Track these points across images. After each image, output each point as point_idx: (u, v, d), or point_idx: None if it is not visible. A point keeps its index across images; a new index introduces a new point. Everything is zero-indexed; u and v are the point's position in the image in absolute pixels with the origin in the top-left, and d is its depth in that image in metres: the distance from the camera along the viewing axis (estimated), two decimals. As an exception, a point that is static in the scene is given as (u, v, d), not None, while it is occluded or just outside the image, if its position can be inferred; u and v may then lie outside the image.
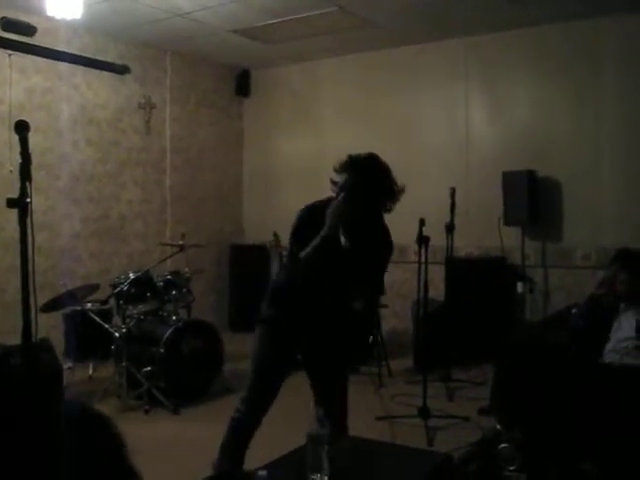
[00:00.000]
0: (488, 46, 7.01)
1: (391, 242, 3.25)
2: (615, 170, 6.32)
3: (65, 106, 6.69)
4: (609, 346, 4.21)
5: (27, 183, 2.43)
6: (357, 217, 3.02)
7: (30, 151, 2.50)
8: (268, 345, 3.41)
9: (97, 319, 5.40)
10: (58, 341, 5.89)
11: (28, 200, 2.42)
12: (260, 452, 3.06)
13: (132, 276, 5.35)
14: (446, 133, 7.22)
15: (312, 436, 2.21)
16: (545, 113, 6.70)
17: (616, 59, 6.30)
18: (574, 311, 4.71)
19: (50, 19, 5.75)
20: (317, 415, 3.47)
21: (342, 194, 2.97)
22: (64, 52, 6.56)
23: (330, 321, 3.30)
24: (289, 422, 4.49)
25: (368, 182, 3.02)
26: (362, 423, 4.63)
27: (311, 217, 3.10)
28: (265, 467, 2.46)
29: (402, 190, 3.10)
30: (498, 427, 4.04)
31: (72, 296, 5.42)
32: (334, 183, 3.08)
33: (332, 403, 3.50)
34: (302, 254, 3.02)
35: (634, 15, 6.12)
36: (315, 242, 2.99)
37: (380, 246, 3.19)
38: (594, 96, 6.42)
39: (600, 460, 3.52)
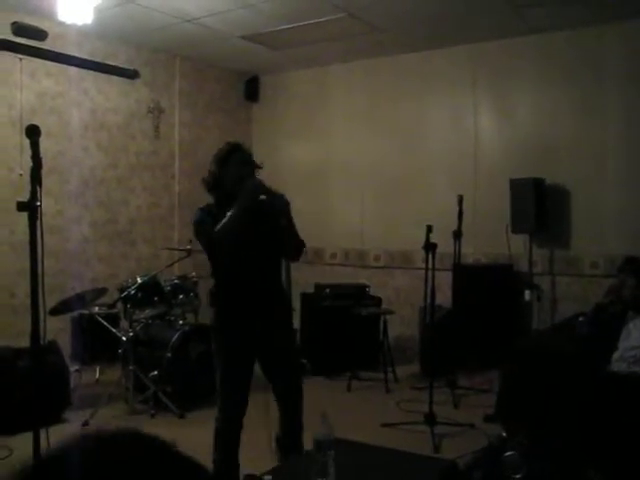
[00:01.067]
0: (495, 53, 7.01)
1: (283, 195, 3.50)
2: (622, 178, 6.30)
3: (75, 110, 6.73)
4: (617, 354, 4.20)
5: (37, 187, 2.45)
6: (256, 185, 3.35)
7: (41, 155, 2.53)
8: (222, 353, 3.47)
9: (105, 323, 5.43)
10: (66, 344, 5.92)
11: (38, 203, 2.45)
12: (266, 457, 3.07)
13: (140, 280, 5.37)
14: (453, 140, 7.22)
15: (318, 441, 2.21)
16: (552, 121, 6.69)
17: (622, 67, 6.29)
18: (581, 319, 4.70)
19: (61, 24, 5.79)
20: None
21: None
22: (75, 57, 6.60)
23: (269, 310, 3.45)
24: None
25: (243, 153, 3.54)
26: (368, 429, 4.63)
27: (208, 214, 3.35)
28: (270, 472, 2.47)
29: None
30: (504, 434, 4.03)
31: (80, 299, 5.44)
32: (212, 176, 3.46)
33: (293, 394, 3.63)
34: (217, 228, 3.18)
35: (639, 22, 6.13)
36: (229, 214, 3.19)
37: (281, 200, 3.46)
38: (601, 104, 6.41)
39: (605, 468, 3.51)
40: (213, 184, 3.43)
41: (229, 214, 3.19)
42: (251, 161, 3.54)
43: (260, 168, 3.54)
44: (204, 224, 3.32)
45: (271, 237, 3.40)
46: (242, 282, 3.40)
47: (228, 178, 3.37)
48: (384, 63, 7.71)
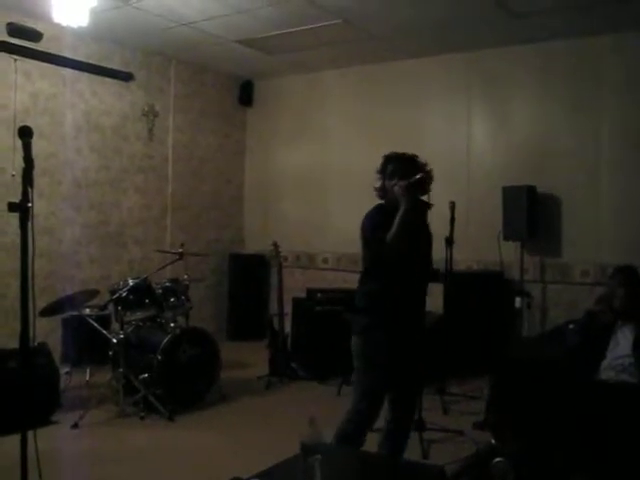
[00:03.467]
0: (491, 61, 7.04)
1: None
2: (615, 187, 6.33)
3: (69, 112, 6.73)
4: (605, 363, 4.22)
5: (29, 188, 2.46)
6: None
7: (33, 156, 2.53)
8: (380, 356, 3.45)
9: (95, 325, 5.42)
10: (56, 345, 5.92)
11: (29, 205, 2.45)
12: (254, 460, 3.07)
13: (131, 282, 5.36)
14: (447, 147, 7.24)
15: (305, 445, 2.21)
16: (546, 129, 6.73)
17: (617, 76, 6.33)
18: (571, 327, 4.71)
19: (56, 25, 5.79)
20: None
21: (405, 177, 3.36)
22: (69, 58, 6.61)
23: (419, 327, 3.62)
24: (285, 430, 4.49)
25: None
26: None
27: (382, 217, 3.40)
28: (258, 475, 2.47)
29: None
30: (492, 441, 4.04)
31: (71, 301, 5.43)
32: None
33: (412, 410, 3.74)
34: (388, 236, 3.24)
35: (635, 33, 6.17)
36: (397, 221, 3.26)
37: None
38: (595, 113, 6.45)
39: (593, 475, 3.52)
40: (377, 192, 3.56)
41: (394, 226, 3.27)
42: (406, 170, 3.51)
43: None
44: (378, 227, 3.37)
45: (426, 244, 3.65)
46: (407, 291, 3.49)
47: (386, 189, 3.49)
48: (379, 69, 7.74)
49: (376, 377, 3.44)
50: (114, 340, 5.22)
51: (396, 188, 3.37)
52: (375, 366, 3.42)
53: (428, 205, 3.54)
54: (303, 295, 6.86)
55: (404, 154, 3.55)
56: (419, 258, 3.54)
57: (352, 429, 3.46)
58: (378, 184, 3.53)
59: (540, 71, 6.77)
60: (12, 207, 2.45)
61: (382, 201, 3.55)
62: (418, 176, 3.38)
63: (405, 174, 3.39)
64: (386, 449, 3.63)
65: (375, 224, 3.41)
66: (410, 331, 3.52)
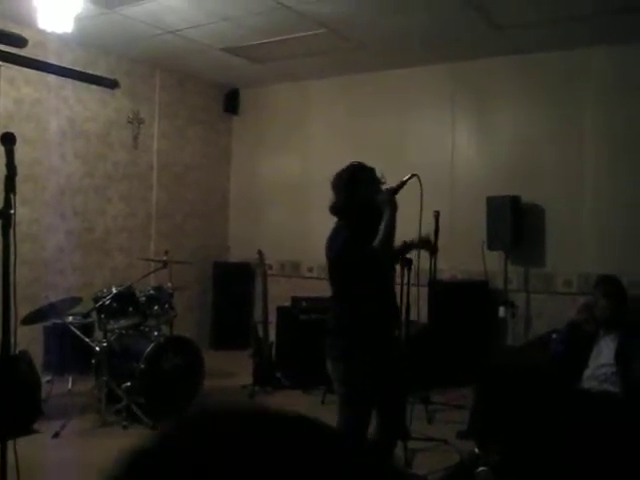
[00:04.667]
0: (476, 72, 7.09)
1: None
2: (598, 198, 6.39)
3: (54, 118, 6.69)
4: (588, 372, 4.24)
5: (11, 195, 2.44)
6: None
7: (17, 162, 2.52)
8: (366, 371, 3.39)
9: (78, 333, 5.37)
10: (38, 354, 5.86)
11: (12, 212, 2.43)
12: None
13: (115, 290, 5.33)
14: (432, 157, 7.27)
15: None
16: (530, 140, 6.77)
17: (601, 88, 6.39)
18: (554, 336, 4.74)
19: (41, 32, 5.77)
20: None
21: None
22: (54, 65, 6.58)
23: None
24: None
25: None
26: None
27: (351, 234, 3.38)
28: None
29: None
30: (476, 450, 4.05)
31: (54, 309, 5.38)
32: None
33: (398, 413, 3.69)
34: (375, 243, 3.24)
35: (618, 45, 6.23)
36: (387, 224, 3.29)
37: None
38: (578, 124, 6.51)
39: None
40: (342, 208, 3.44)
41: (383, 230, 3.27)
42: (377, 178, 3.50)
43: (384, 183, 3.50)
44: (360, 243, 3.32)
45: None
46: (384, 297, 3.48)
47: (359, 199, 3.38)
48: (364, 79, 7.76)
49: (362, 400, 3.39)
50: (97, 348, 5.18)
51: (380, 196, 3.34)
52: (360, 391, 3.36)
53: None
54: (288, 304, 6.84)
55: (363, 163, 3.52)
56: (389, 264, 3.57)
57: None
58: (339, 198, 3.43)
59: (524, 82, 6.82)
60: (-6, 214, 2.43)
61: (338, 218, 3.48)
62: (405, 178, 3.44)
63: (377, 181, 3.41)
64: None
65: (350, 241, 3.33)
66: (389, 342, 3.50)
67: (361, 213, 3.38)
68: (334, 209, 3.47)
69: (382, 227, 3.27)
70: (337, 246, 3.37)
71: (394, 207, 3.33)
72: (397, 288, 3.57)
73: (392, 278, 3.59)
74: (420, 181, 3.48)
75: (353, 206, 3.36)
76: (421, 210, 3.53)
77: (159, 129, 7.89)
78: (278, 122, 8.47)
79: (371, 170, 3.47)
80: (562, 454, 3.71)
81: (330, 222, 3.50)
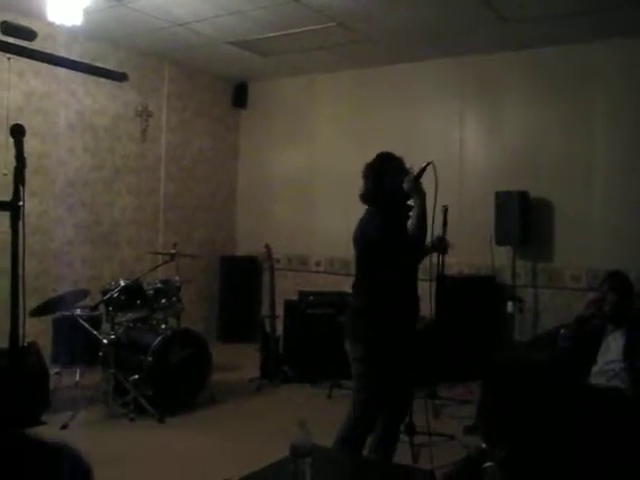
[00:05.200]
0: (484, 67, 7.06)
1: None
2: (607, 193, 6.36)
3: (63, 111, 6.71)
4: (596, 368, 4.23)
5: (21, 187, 2.44)
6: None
7: (26, 155, 2.52)
8: (388, 361, 3.49)
9: (86, 325, 5.39)
10: (46, 346, 5.89)
11: (21, 203, 2.44)
12: (244, 463, 3.05)
13: (122, 283, 5.34)
14: (440, 151, 7.24)
15: (295, 448, 2.20)
16: (539, 134, 6.74)
17: (610, 82, 6.36)
18: (562, 331, 4.72)
19: (51, 24, 5.77)
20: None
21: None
22: (63, 57, 6.58)
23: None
24: (276, 433, 4.48)
25: None
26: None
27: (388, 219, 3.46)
28: (247, 478, 2.46)
29: None
30: (483, 446, 4.04)
31: (62, 301, 5.40)
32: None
33: (402, 411, 3.80)
34: (411, 231, 3.37)
35: (627, 39, 6.19)
36: (419, 212, 3.40)
37: None
38: (587, 119, 6.47)
39: (583, 481, 3.52)
40: (371, 196, 3.53)
41: (416, 219, 3.39)
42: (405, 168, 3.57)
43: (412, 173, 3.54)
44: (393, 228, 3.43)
45: None
46: (408, 288, 3.55)
47: (387, 187, 3.47)
48: (372, 73, 7.74)
49: (379, 386, 3.43)
50: (105, 341, 5.20)
51: (406, 184, 3.40)
52: (379, 375, 3.41)
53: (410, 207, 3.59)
54: (295, 298, 6.84)
55: (392, 153, 3.64)
56: (414, 261, 3.61)
57: (354, 435, 3.46)
58: (368, 186, 3.52)
59: (533, 77, 6.79)
60: (3, 206, 2.44)
61: (368, 206, 3.55)
62: (424, 165, 3.46)
63: (404, 171, 3.47)
64: (376, 453, 3.63)
65: (385, 225, 3.42)
66: (409, 334, 3.53)
67: (389, 200, 3.47)
68: (364, 197, 3.56)
69: (414, 215, 3.37)
70: (371, 229, 3.44)
71: (422, 194, 3.42)
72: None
73: (417, 271, 3.63)
74: (435, 169, 3.48)
75: (381, 194, 3.46)
76: (435, 198, 3.52)
77: (167, 122, 7.89)
78: (286, 116, 8.46)
79: (399, 160, 3.57)
80: (569, 450, 3.70)
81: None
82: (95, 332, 5.38)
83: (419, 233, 3.36)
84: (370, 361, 3.42)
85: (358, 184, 3.66)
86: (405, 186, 3.39)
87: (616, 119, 6.34)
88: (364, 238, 3.46)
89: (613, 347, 4.23)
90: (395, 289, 3.43)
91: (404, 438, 4.58)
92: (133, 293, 5.40)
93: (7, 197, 2.49)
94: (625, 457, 3.57)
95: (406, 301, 3.50)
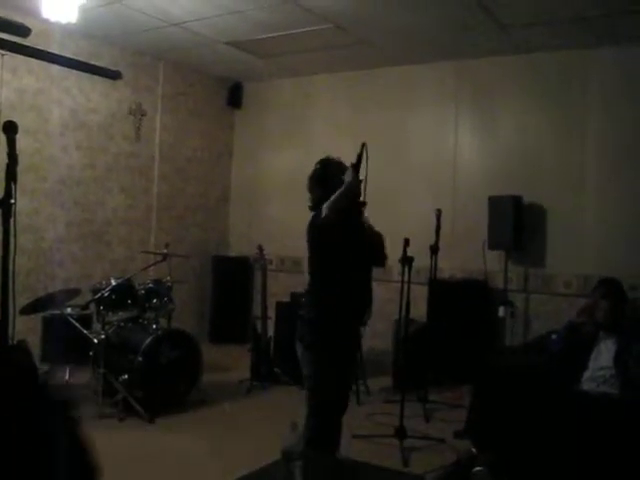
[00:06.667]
0: (479, 71, 7.07)
1: None
2: (600, 199, 6.37)
3: (56, 109, 6.67)
4: (587, 374, 4.23)
5: (12, 184, 2.42)
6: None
7: (18, 152, 2.50)
8: (340, 352, 3.50)
9: (76, 324, 5.36)
10: (36, 344, 5.85)
11: (12, 201, 2.41)
12: (235, 465, 3.05)
13: (114, 282, 5.32)
14: (434, 155, 7.26)
15: (286, 451, 2.20)
16: (533, 140, 6.76)
17: (604, 88, 6.38)
18: (554, 337, 4.73)
19: (45, 21, 5.74)
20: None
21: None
22: (57, 55, 6.55)
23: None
24: (266, 435, 4.47)
25: None
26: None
27: None
28: (238, 481, 2.45)
29: None
30: (473, 450, 4.04)
31: (52, 300, 5.37)
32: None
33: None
34: (323, 207, 3.30)
35: (623, 47, 6.22)
36: (339, 190, 3.31)
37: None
38: (582, 125, 6.49)
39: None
40: (319, 203, 3.50)
41: (341, 189, 3.35)
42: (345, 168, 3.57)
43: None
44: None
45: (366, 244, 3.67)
46: (355, 288, 3.57)
47: (333, 190, 3.42)
48: (368, 75, 7.74)
49: (329, 388, 3.42)
50: (95, 340, 5.18)
51: (346, 174, 3.40)
52: (329, 379, 3.41)
53: (363, 203, 3.55)
54: (287, 299, 6.83)
55: (330, 157, 3.71)
56: (362, 258, 3.57)
57: (319, 435, 3.43)
58: (315, 195, 3.57)
59: (528, 82, 6.81)
60: (-6, 203, 2.42)
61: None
62: (359, 151, 3.48)
63: (343, 168, 3.49)
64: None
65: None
66: (355, 334, 3.57)
67: None
68: (315, 205, 3.57)
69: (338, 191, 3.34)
70: (311, 227, 3.52)
71: (355, 178, 3.37)
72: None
73: (368, 271, 3.64)
74: (367, 150, 3.52)
75: (328, 197, 3.41)
76: (366, 178, 3.49)
77: (161, 121, 7.87)
78: (281, 117, 8.45)
79: (338, 161, 3.62)
80: (559, 455, 3.70)
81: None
82: (85, 331, 5.35)
83: (331, 202, 3.31)
84: (316, 369, 3.43)
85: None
86: (346, 177, 3.38)
87: (610, 125, 6.36)
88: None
89: (604, 353, 4.23)
90: (336, 290, 3.44)
91: (395, 442, 4.59)
92: (124, 292, 5.38)
93: (-2, 194, 2.47)
94: (615, 462, 3.57)
95: (349, 302, 3.48)
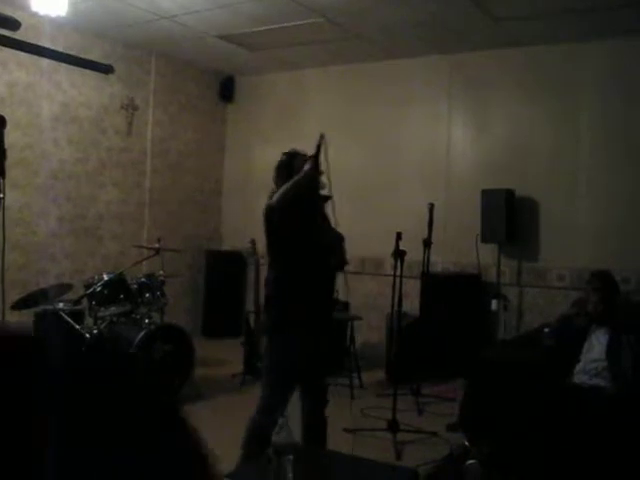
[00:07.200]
0: (473, 64, 7.06)
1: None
2: (593, 193, 6.38)
3: (46, 103, 6.63)
4: (579, 367, 4.25)
5: (1, 179, 2.41)
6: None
7: (8, 146, 2.49)
8: (292, 354, 3.46)
9: (68, 319, 5.34)
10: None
11: (1, 196, 2.40)
12: (226, 459, 3.03)
13: (106, 277, 5.30)
14: (427, 148, 7.25)
15: (277, 445, 2.19)
16: (526, 133, 6.76)
17: (597, 82, 6.38)
18: (546, 330, 4.74)
19: (35, 15, 5.70)
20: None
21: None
22: (48, 48, 6.51)
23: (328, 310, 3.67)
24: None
25: None
26: (330, 434, 4.61)
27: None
28: (229, 475, 2.45)
29: None
30: (466, 443, 4.05)
31: (44, 295, 5.35)
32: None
33: (322, 397, 3.68)
34: (275, 196, 3.32)
35: (616, 39, 6.22)
36: (294, 178, 3.35)
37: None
38: (575, 118, 6.50)
39: (565, 478, 3.54)
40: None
41: (295, 177, 3.41)
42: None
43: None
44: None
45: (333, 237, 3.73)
46: (314, 279, 3.53)
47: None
48: (361, 69, 7.72)
49: (284, 378, 3.44)
50: (87, 335, 5.16)
51: (305, 165, 3.43)
52: (283, 369, 3.42)
53: (327, 197, 3.53)
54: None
55: (295, 150, 3.77)
56: (322, 250, 3.55)
57: (264, 422, 3.43)
58: (280, 185, 3.52)
59: (521, 75, 6.80)
60: (-17, 198, 2.40)
61: None
62: (318, 142, 3.52)
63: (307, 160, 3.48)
64: (309, 442, 3.59)
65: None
66: (318, 325, 3.51)
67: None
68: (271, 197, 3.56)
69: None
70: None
71: (312, 168, 3.40)
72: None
73: (324, 264, 3.59)
74: (325, 141, 3.55)
75: None
76: (327, 165, 3.53)
77: (153, 116, 7.83)
78: (273, 111, 8.43)
79: (303, 155, 3.62)
80: (552, 448, 3.71)
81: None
82: (77, 326, 5.33)
83: (281, 190, 3.34)
84: (272, 358, 3.48)
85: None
86: (306, 167, 3.40)
87: (603, 119, 6.36)
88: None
89: (596, 346, 4.25)
90: (294, 279, 3.43)
91: (387, 435, 4.59)
92: (116, 287, 5.36)
93: (-13, 189, 2.45)
94: (607, 455, 3.58)
95: (309, 292, 3.46)
